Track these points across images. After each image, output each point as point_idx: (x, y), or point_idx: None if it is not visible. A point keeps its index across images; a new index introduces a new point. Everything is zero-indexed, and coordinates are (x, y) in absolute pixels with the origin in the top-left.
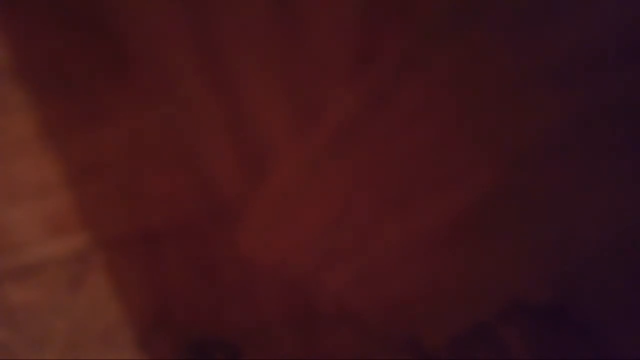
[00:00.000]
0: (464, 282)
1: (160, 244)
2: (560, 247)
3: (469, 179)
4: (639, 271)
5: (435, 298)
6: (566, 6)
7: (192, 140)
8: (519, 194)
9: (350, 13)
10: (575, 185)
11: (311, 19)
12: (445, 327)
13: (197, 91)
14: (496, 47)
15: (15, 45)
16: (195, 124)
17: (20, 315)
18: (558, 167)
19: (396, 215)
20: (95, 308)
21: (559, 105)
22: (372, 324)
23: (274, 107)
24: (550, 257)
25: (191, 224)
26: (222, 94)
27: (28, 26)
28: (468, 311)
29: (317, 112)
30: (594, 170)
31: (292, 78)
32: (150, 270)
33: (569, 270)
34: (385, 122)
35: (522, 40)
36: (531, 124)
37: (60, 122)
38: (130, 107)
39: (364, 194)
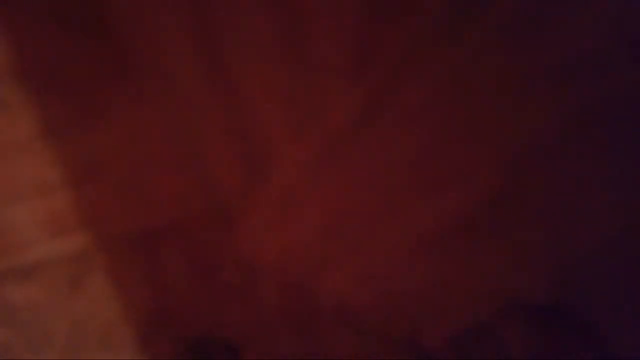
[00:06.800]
0: (464, 282)
1: (160, 244)
2: (560, 247)
3: (468, 179)
4: (639, 271)
5: (435, 298)
6: (566, 6)
7: (192, 140)
8: (519, 194)
9: (350, 14)
10: (574, 185)
11: (311, 19)
12: (445, 327)
13: (197, 92)
14: (496, 48)
15: (16, 45)
16: (195, 124)
17: (20, 315)
18: (558, 167)
19: (396, 215)
20: (95, 308)
21: (559, 106)
22: (372, 324)
23: (274, 108)
24: (550, 257)
25: (191, 224)
26: (222, 95)
27: (28, 27)
28: (468, 311)
29: (317, 112)
30: (593, 170)
31: (292, 79)
32: (150, 270)
33: (569, 270)
34: (385, 123)
35: (522, 40)
36: (531, 124)
37: (60, 122)
38: (130, 108)
39: (364, 194)
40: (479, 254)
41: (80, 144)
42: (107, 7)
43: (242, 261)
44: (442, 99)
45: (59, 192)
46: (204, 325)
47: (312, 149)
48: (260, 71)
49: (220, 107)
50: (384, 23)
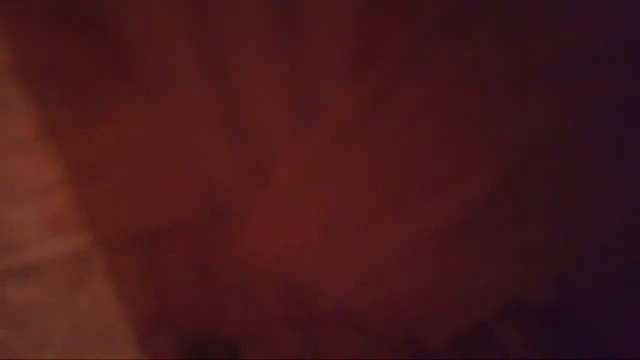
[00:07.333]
0: (464, 282)
1: (160, 244)
2: (560, 247)
3: (469, 179)
4: (639, 271)
5: (435, 298)
6: (567, 6)
7: (192, 140)
8: (519, 193)
9: (351, 13)
10: (575, 185)
11: (311, 19)
12: (445, 327)
13: (197, 92)
14: (497, 47)
15: (16, 46)
16: (195, 124)
17: (20, 315)
18: (558, 167)
19: (396, 215)
20: (95, 308)
21: (560, 105)
22: (372, 324)
23: (274, 107)
24: (550, 257)
25: (191, 224)
26: (222, 95)
27: (28, 27)
28: (468, 311)
29: (318, 112)
30: (594, 170)
31: (292, 78)
32: (150, 270)
33: (569, 270)
34: (386, 122)
35: (523, 40)
36: (532, 123)
37: (60, 123)
38: (130, 108)
39: (364, 194)
40: (479, 254)
41: (80, 144)
42: (107, 7)
43: (242, 261)
44: (442, 98)
45: (59, 192)
46: (204, 325)
47: (312, 148)
48: (261, 71)
49: (220, 107)
50: (385, 22)
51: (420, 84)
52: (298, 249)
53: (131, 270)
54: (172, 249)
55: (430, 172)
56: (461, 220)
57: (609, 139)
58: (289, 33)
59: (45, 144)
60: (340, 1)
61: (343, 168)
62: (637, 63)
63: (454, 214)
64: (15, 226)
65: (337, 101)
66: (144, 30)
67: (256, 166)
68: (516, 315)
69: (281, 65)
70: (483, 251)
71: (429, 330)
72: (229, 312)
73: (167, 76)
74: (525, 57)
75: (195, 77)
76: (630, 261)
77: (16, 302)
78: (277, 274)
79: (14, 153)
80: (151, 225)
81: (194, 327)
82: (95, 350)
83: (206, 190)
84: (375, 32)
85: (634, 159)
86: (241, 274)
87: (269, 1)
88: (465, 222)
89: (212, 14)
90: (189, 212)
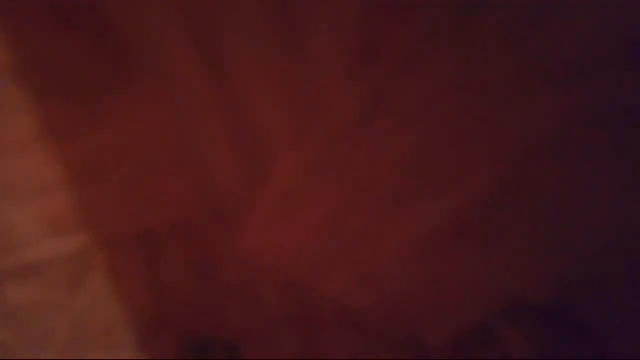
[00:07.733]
0: (464, 282)
1: (160, 244)
2: (560, 247)
3: (468, 179)
4: (639, 271)
5: (435, 298)
6: (567, 6)
7: (192, 140)
8: (519, 194)
9: (351, 13)
10: (575, 185)
11: (311, 19)
12: (446, 327)
13: (197, 92)
14: (496, 48)
15: (16, 46)
16: (195, 124)
17: (20, 315)
18: (557, 168)
19: (396, 215)
20: (95, 308)
21: (559, 105)
22: (372, 324)
23: (274, 107)
24: (550, 257)
25: (191, 224)
26: (222, 95)
27: (28, 27)
28: (468, 311)
29: (317, 112)
30: (594, 171)
31: (292, 78)
32: (150, 270)
33: (569, 271)
34: (386, 122)
35: (523, 40)
36: (531, 124)
37: (60, 123)
38: (130, 108)
39: (364, 194)
40: (479, 254)
41: (80, 144)
42: (108, 7)
43: (242, 261)
44: (443, 98)
45: (59, 192)
46: (204, 325)
47: (311, 149)
48: (260, 71)
49: (220, 107)
50: (385, 23)
51: (420, 83)
52: (298, 249)
53: (131, 270)
54: (172, 249)
55: (430, 172)
56: (461, 220)
57: (609, 139)
58: (289, 33)
59: (45, 144)
60: (340, 1)
61: (343, 168)
62: (637, 63)
63: (454, 214)
64: (15, 226)
65: (337, 101)
66: (144, 30)
67: (256, 166)
68: (516, 315)
69: (281, 65)
70: (483, 251)
71: (429, 330)
72: (229, 312)
73: (167, 76)
74: (525, 57)
75: (195, 77)
76: (630, 261)
77: (16, 302)
78: (277, 274)
79: (14, 153)
80: (151, 225)
81: (194, 327)
82: (95, 350)
83: (206, 190)
84: (375, 32)
85: (634, 159)
86: (241, 274)
87: (269, 1)
88: (465, 222)
89: (212, 13)
90: (189, 212)
